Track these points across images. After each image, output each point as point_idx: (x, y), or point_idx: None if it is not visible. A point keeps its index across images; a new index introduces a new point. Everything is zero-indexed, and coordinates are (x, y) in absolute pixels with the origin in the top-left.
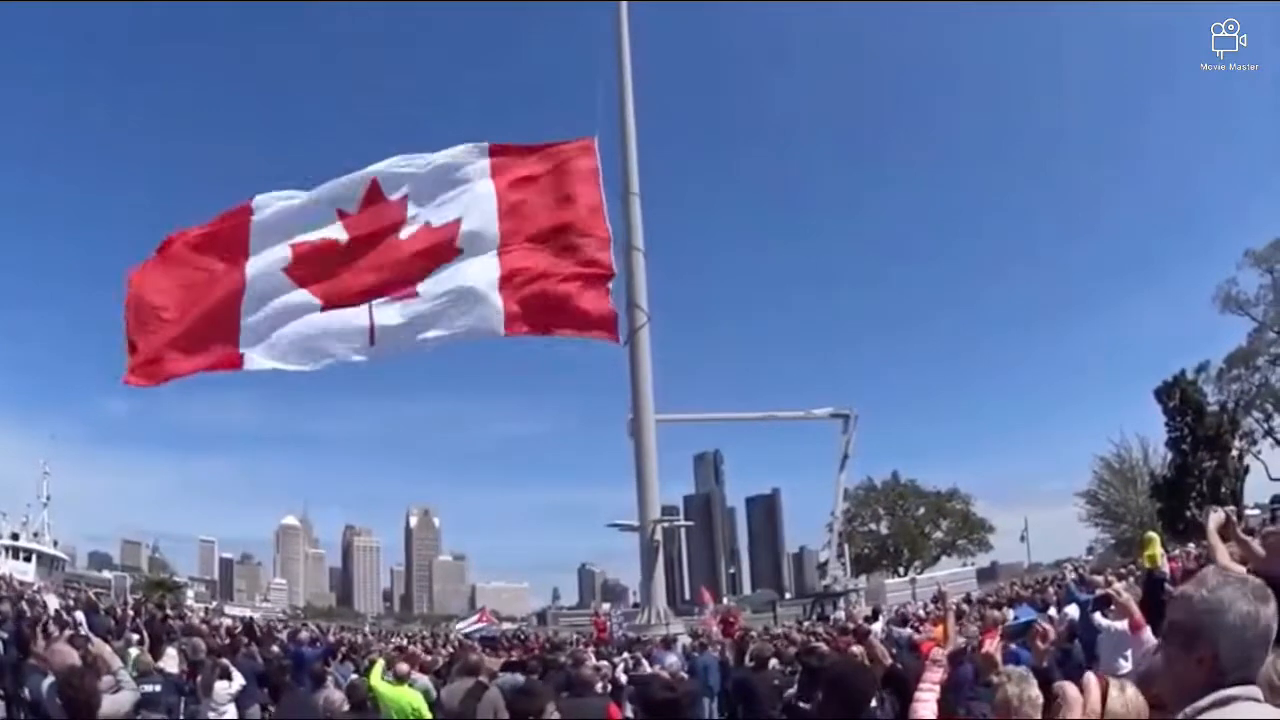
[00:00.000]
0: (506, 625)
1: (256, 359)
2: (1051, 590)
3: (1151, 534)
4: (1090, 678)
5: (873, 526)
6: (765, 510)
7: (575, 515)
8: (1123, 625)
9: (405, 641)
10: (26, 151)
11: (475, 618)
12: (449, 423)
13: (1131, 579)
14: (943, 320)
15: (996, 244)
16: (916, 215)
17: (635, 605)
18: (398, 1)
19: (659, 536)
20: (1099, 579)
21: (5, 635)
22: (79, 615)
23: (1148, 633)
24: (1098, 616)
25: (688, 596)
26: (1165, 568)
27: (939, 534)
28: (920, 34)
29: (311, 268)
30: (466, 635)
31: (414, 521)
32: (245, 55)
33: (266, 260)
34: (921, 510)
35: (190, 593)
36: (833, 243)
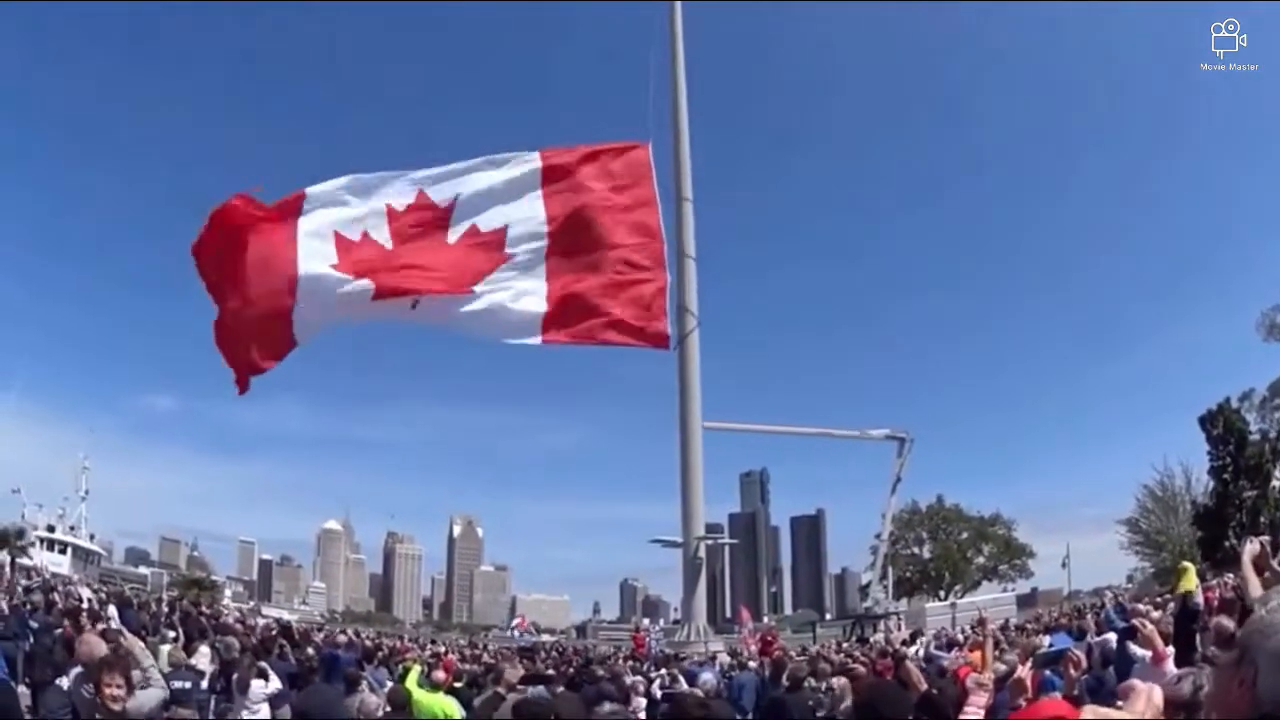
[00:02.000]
0: (546, 637)
1: (306, 336)
2: (1090, 617)
3: (1187, 564)
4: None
5: (915, 550)
6: (809, 530)
7: (619, 529)
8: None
9: (443, 649)
10: (70, 146)
11: (516, 622)
12: (495, 434)
13: (1166, 610)
14: (990, 343)
15: (1044, 266)
16: (962, 236)
17: (675, 621)
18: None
19: (702, 553)
20: (1141, 607)
21: (36, 625)
22: (111, 609)
23: (1169, 664)
24: (1131, 646)
25: (729, 614)
26: (1200, 598)
27: (981, 559)
28: (963, 48)
29: (359, 261)
30: (506, 646)
31: (457, 531)
32: (303, 56)
33: (315, 253)
34: (964, 535)
35: (228, 592)
36: (876, 262)
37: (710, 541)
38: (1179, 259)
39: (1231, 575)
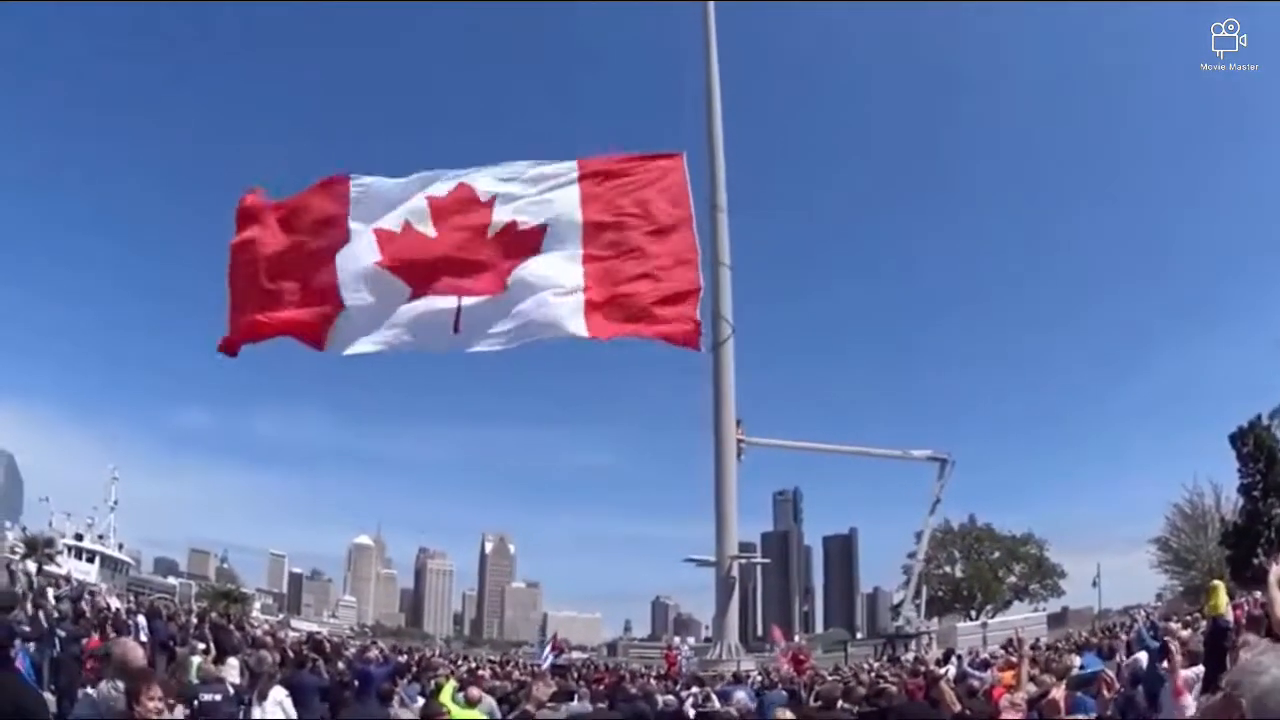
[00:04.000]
0: (576, 654)
1: (337, 342)
2: (1123, 636)
3: (1217, 583)
4: None
5: (947, 569)
6: (842, 549)
7: (651, 548)
8: (1187, 673)
9: (475, 664)
10: (104, 162)
11: (549, 647)
12: (528, 451)
13: (1195, 629)
14: (1022, 362)
15: (1075, 285)
16: (994, 254)
17: (707, 640)
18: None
19: (735, 573)
20: (1173, 625)
21: (63, 633)
22: (140, 620)
23: (1187, 698)
24: (1164, 665)
25: (760, 633)
26: (1229, 616)
27: (1012, 578)
28: (988, 67)
29: (400, 255)
30: (536, 663)
31: (489, 547)
32: (332, 66)
33: (357, 244)
34: (996, 554)
35: (257, 605)
36: (909, 281)
37: (744, 561)
38: (1210, 274)
39: (1260, 593)
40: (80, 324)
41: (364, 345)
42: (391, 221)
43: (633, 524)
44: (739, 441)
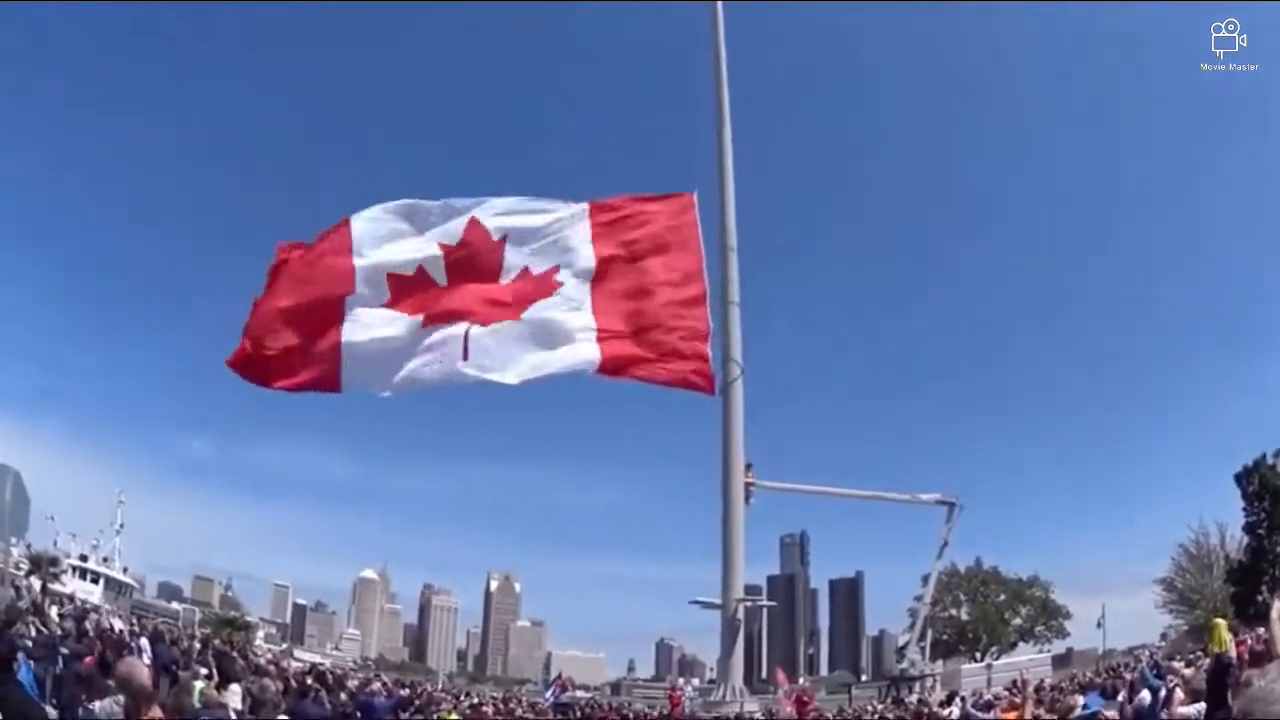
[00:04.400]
0: (580, 693)
1: (354, 382)
2: (1126, 676)
3: (1219, 620)
4: None
5: (953, 612)
6: (848, 592)
7: (656, 588)
8: (1188, 710)
9: (478, 700)
10: (119, 199)
11: (553, 685)
12: (536, 490)
13: (1198, 667)
14: (1027, 408)
15: (1078, 331)
16: (998, 303)
17: (711, 681)
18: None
19: (741, 615)
20: (1176, 664)
21: (66, 651)
22: (144, 642)
23: None
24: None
25: (764, 675)
26: (1233, 652)
27: (1018, 620)
28: (998, 114)
29: (411, 295)
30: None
31: (494, 585)
32: (320, 83)
33: (366, 285)
34: (1002, 596)
35: (261, 634)
36: (917, 326)
37: (749, 603)
38: (1212, 318)
39: (1263, 629)
40: (90, 342)
41: (380, 387)
42: (404, 266)
43: (639, 565)
44: (748, 485)
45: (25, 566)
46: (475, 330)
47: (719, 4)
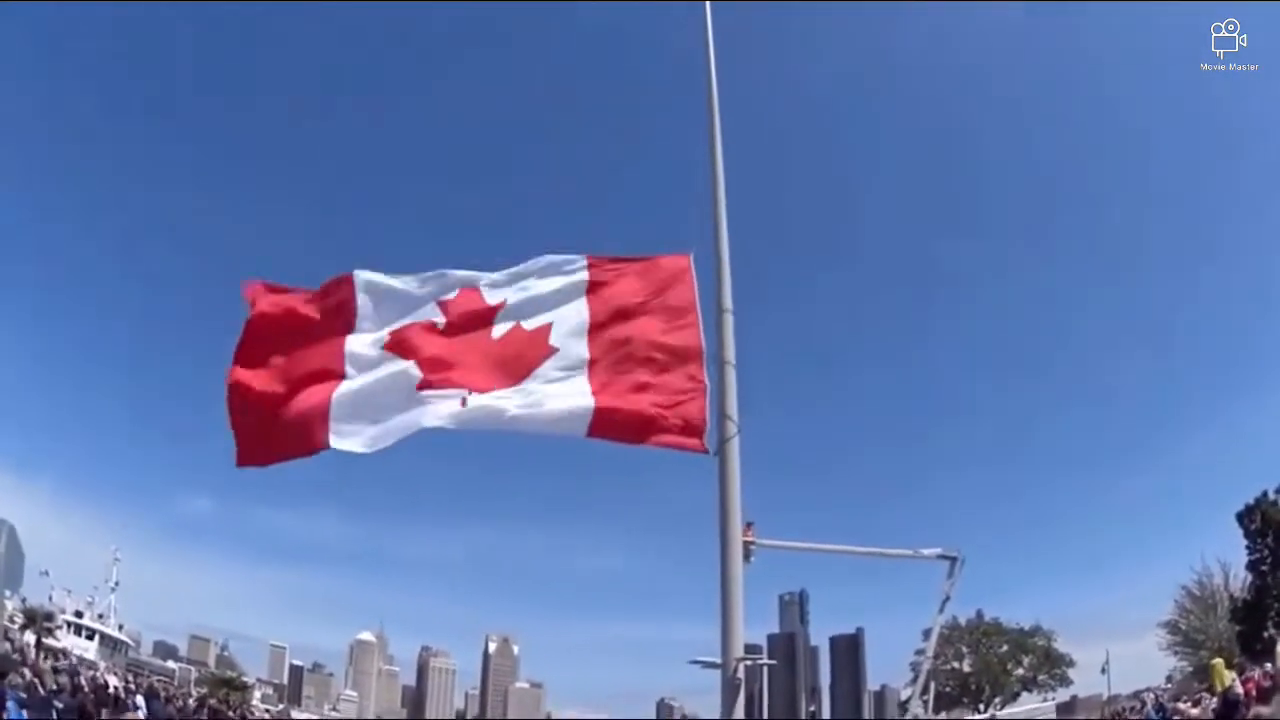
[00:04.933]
0: None
1: (343, 441)
2: (1133, 718)
3: (1217, 660)
4: None
5: (955, 665)
6: (849, 649)
7: (656, 649)
8: None
9: None
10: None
11: None
12: (534, 552)
13: (1203, 707)
14: (1024, 458)
15: (1069, 379)
16: (993, 351)
17: None
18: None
19: (741, 674)
20: (1182, 705)
21: (60, 705)
22: (139, 699)
23: None
24: None
25: None
26: (1239, 689)
27: (1021, 670)
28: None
29: (410, 347)
30: None
31: (493, 647)
32: (341, 156)
33: (365, 340)
34: (1004, 647)
35: (257, 694)
36: (907, 375)
37: (750, 662)
38: (1209, 362)
39: (1270, 665)
40: (88, 408)
41: (353, 443)
42: (399, 322)
43: (638, 626)
44: (749, 543)
45: (19, 620)
46: (472, 398)
47: (714, 97)
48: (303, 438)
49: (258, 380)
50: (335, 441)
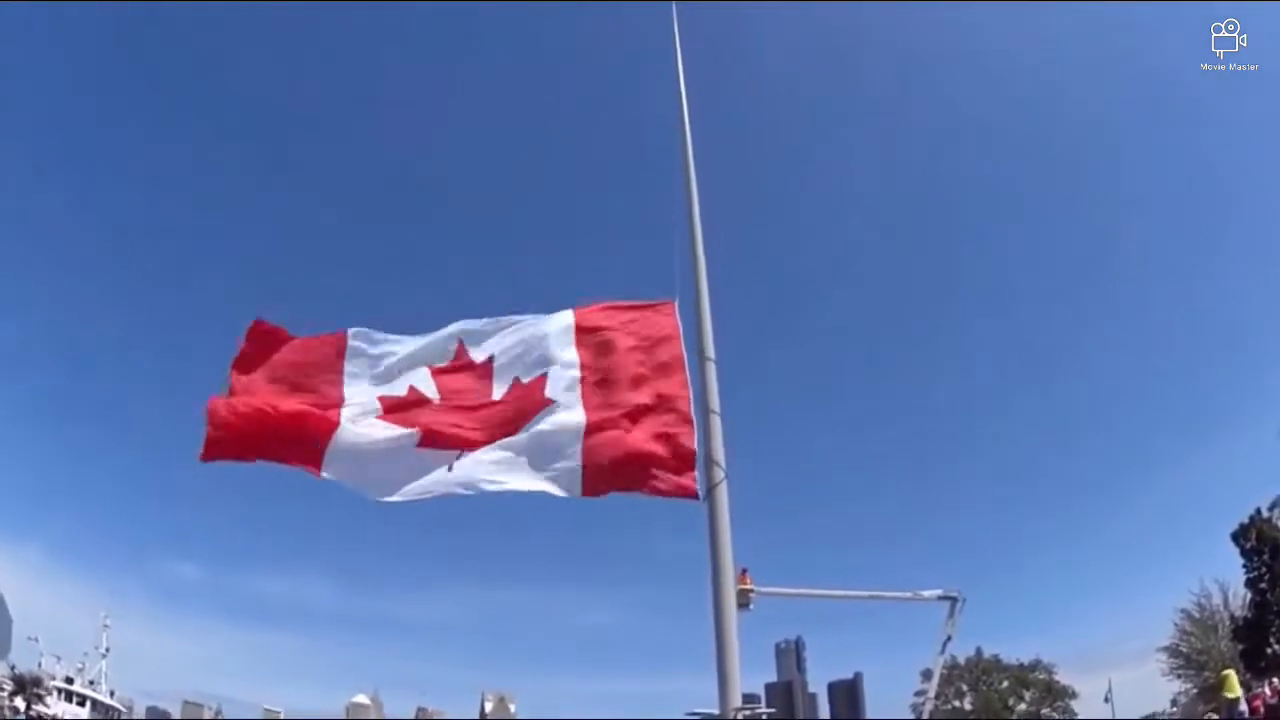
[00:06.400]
0: None
1: (338, 474)
2: None
3: (1228, 671)
4: None
5: (956, 704)
6: (847, 694)
7: (654, 703)
8: None
9: None
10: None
11: None
12: (528, 613)
13: None
14: (1017, 495)
15: (1062, 413)
16: (984, 386)
17: None
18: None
19: None
20: None
21: None
22: None
23: None
24: None
25: None
26: (1245, 707)
27: (1023, 705)
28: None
29: (405, 410)
30: None
31: (489, 706)
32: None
33: (358, 400)
34: (1005, 684)
35: None
36: (900, 418)
37: (747, 712)
38: (1193, 385)
39: (1276, 679)
40: (75, 473)
41: (349, 479)
42: (393, 388)
43: (635, 680)
44: (747, 591)
45: (9, 687)
46: (471, 456)
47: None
48: (291, 448)
49: (250, 392)
50: (329, 475)
